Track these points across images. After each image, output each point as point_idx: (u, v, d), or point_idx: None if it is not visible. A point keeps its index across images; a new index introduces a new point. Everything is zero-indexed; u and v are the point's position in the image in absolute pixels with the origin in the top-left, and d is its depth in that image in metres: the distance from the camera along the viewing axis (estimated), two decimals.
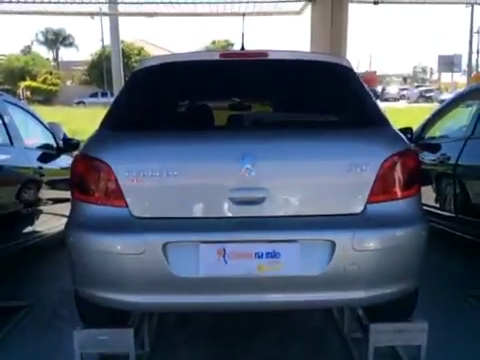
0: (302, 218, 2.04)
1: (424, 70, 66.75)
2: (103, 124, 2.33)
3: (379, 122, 2.27)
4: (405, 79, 56.89)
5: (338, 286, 1.99)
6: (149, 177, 2.03)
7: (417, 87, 44.78)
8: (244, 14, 6.40)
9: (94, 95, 34.86)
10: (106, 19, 15.66)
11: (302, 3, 7.43)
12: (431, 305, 2.79)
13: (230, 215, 2.05)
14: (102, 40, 37.24)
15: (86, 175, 2.14)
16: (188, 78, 2.46)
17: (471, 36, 36.59)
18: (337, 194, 2.07)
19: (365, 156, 2.08)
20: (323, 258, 1.96)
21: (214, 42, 54.32)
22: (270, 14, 8.21)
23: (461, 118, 4.20)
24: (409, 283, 2.15)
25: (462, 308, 3.02)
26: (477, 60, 39.95)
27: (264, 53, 2.41)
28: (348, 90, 2.40)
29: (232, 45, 55.16)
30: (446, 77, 48.75)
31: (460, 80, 42.73)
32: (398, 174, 2.10)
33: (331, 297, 2.02)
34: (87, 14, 11.42)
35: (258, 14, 8.18)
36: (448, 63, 43.94)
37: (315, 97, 2.43)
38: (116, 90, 12.72)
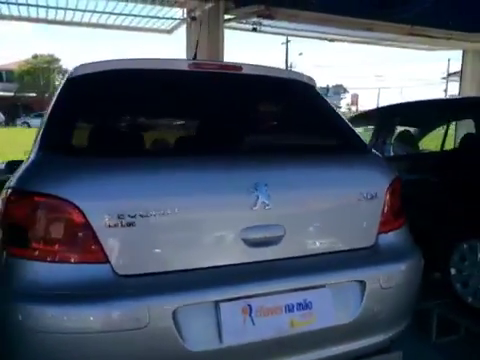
0: (324, 256, 1.78)
1: None
2: (43, 147, 1.67)
3: (365, 147, 2.17)
4: None
5: (369, 331, 1.78)
6: (137, 218, 1.51)
7: None
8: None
9: None
10: None
11: (176, 21, 7.22)
12: None
13: (245, 261, 1.66)
14: None
15: (36, 221, 1.48)
16: (150, 89, 1.98)
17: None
18: (352, 226, 1.87)
19: (372, 183, 1.93)
20: (355, 301, 1.73)
21: (36, 56, 49.93)
22: (139, 30, 7.73)
23: None
24: (412, 314, 2.07)
25: None
26: None
27: (237, 67, 2.09)
28: (327, 113, 2.24)
29: (58, 60, 51.41)
30: None
31: None
32: (396, 201, 2.01)
33: (362, 344, 1.79)
34: None
35: (127, 29, 7.62)
36: None
37: (292, 119, 2.21)
38: None
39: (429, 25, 6.89)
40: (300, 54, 43.49)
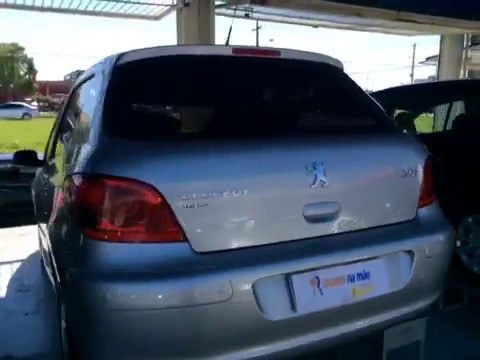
0: (375, 230, 1.92)
1: None
2: (108, 133, 1.71)
3: (398, 127, 2.29)
4: None
5: (414, 298, 1.95)
6: (210, 198, 1.60)
7: None
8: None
9: None
10: None
11: (166, 8, 7.14)
12: None
13: (308, 236, 1.78)
14: None
15: (117, 204, 1.56)
16: (201, 75, 2.05)
17: None
18: (397, 200, 2.02)
19: (412, 160, 2.07)
20: (405, 270, 1.88)
21: None
22: (126, 16, 7.61)
23: None
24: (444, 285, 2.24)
25: None
26: None
27: (276, 51, 2.18)
28: (359, 94, 2.35)
29: (22, 49, 49.63)
30: None
31: None
32: (430, 176, 2.16)
33: (407, 310, 1.95)
34: None
35: (113, 15, 7.48)
36: None
37: (329, 101, 2.32)
38: None
39: (414, 11, 7.10)
40: (271, 40, 43.51)
